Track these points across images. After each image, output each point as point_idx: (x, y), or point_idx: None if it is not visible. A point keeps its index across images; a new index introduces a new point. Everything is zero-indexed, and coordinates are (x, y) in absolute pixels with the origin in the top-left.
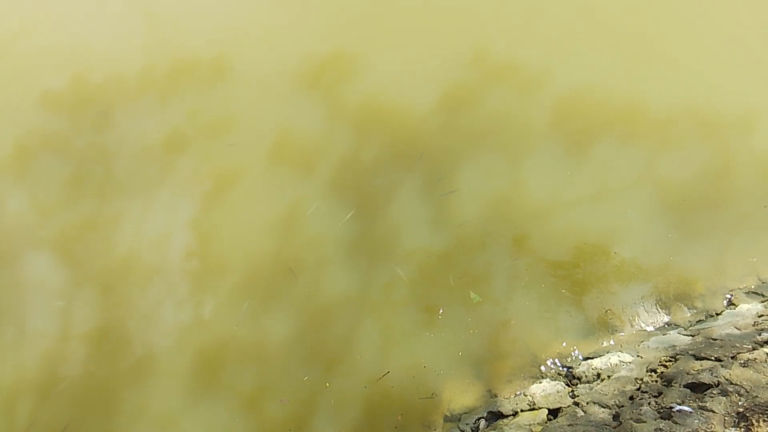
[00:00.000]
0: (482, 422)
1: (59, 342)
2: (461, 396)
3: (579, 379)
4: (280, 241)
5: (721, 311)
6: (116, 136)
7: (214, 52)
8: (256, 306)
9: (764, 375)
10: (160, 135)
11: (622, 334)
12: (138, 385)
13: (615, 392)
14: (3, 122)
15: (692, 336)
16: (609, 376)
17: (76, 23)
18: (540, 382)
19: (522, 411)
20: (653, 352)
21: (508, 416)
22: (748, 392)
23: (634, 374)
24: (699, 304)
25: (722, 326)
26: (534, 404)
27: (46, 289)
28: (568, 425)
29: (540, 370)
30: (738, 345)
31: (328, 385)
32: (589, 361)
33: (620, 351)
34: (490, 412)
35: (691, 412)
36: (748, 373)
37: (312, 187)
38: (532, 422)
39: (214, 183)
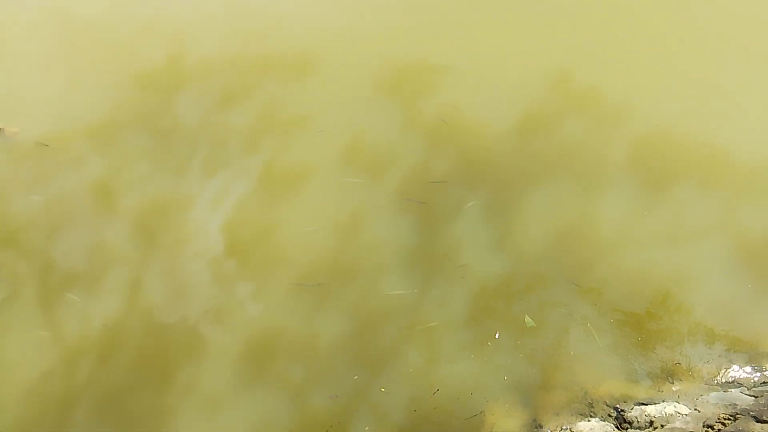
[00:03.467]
0: None
1: (123, 310)
2: (505, 421)
3: (630, 423)
4: (341, 240)
5: None
6: (200, 120)
7: (301, 48)
8: (311, 302)
9: None
10: (240, 123)
11: (681, 384)
12: (191, 363)
13: None
14: (99, 94)
15: (755, 397)
16: (662, 426)
17: (174, 5)
18: (588, 420)
19: None
20: (712, 407)
21: None
22: None
23: (690, 427)
24: None
25: None
26: None
27: (117, 257)
28: None
29: (590, 407)
30: None
31: (383, 390)
32: (642, 406)
33: (677, 401)
34: None
35: None
36: None
37: (379, 193)
38: None
39: (285, 175)
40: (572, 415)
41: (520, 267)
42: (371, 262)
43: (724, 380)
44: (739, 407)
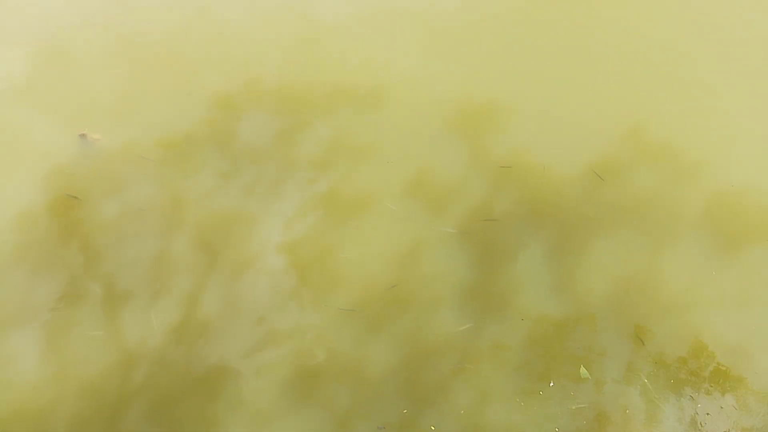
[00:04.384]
0: None
1: (183, 319)
2: None
3: None
4: (398, 271)
5: None
6: (270, 143)
7: (374, 81)
8: (364, 329)
9: None
10: (308, 149)
11: None
12: (242, 379)
13: None
14: (179, 111)
15: None
16: None
17: (252, 32)
18: None
19: None
20: None
21: None
22: None
23: None
24: None
25: None
26: None
27: (178, 268)
28: None
29: None
30: None
31: (433, 428)
32: None
33: None
34: None
35: None
36: None
37: (438, 228)
38: None
39: (347, 203)
40: None
41: (580, 316)
42: (428, 295)
43: None
44: None
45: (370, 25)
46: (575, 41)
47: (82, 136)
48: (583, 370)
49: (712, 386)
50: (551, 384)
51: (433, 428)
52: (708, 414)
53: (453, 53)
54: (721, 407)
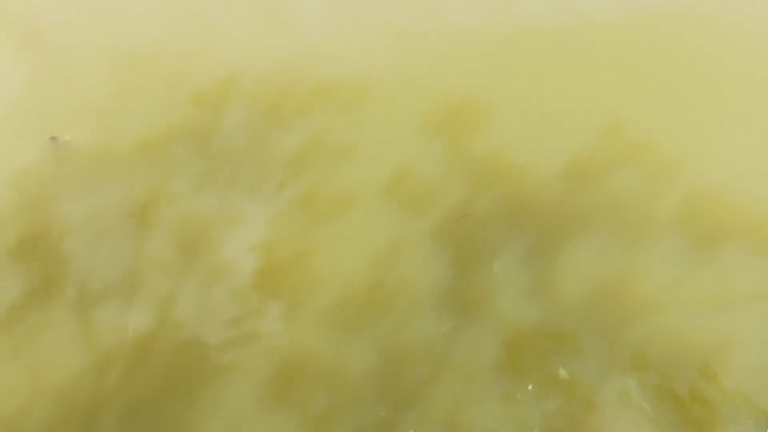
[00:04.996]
0: None
1: (157, 322)
2: None
3: None
4: (377, 272)
5: None
6: (248, 141)
7: (354, 80)
8: (342, 330)
9: None
10: (288, 147)
11: None
12: (218, 382)
13: None
14: (151, 110)
15: None
16: None
17: (227, 29)
18: None
19: None
20: None
21: None
22: None
23: None
24: None
25: None
26: None
27: (157, 267)
28: None
29: None
30: None
31: (412, 431)
32: None
33: None
34: None
35: None
36: None
37: (418, 228)
38: None
39: (326, 203)
40: None
41: (557, 317)
42: (406, 296)
43: None
44: None
45: (351, 24)
46: (554, 40)
47: (53, 138)
48: (562, 371)
49: (689, 386)
50: (530, 387)
51: (412, 431)
52: (687, 414)
53: (432, 53)
54: (700, 406)
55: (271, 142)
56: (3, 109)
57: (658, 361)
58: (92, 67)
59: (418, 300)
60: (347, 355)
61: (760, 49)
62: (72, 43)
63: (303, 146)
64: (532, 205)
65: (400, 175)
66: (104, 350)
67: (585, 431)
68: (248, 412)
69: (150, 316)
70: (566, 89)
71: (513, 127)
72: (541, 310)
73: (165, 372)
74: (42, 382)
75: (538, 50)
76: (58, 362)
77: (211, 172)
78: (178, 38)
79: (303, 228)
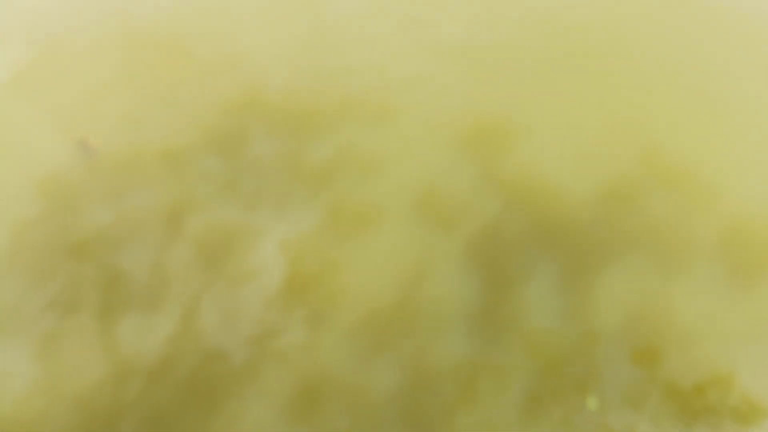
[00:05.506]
0: None
1: (180, 331)
2: None
3: None
4: (404, 289)
5: None
6: (276, 152)
7: (383, 92)
8: (366, 348)
9: None
10: (316, 159)
11: None
12: (240, 394)
13: None
14: (183, 119)
15: None
16: None
17: (256, 38)
18: None
19: None
20: None
21: None
22: None
23: None
24: None
25: None
26: None
27: (181, 276)
28: None
29: None
30: None
31: None
32: None
33: None
34: None
35: None
36: None
37: (447, 246)
38: None
39: (353, 216)
40: None
41: (589, 343)
42: (433, 315)
43: None
44: None
45: (381, 36)
46: (592, 57)
47: (81, 142)
48: (592, 400)
49: (724, 419)
50: (556, 413)
51: None
52: None
53: (465, 67)
54: None
55: (299, 153)
56: (31, 112)
57: (692, 392)
58: (119, 73)
59: (445, 320)
60: (371, 374)
61: None
62: (99, 48)
63: (331, 158)
64: (566, 227)
65: (429, 190)
66: (126, 357)
67: None
68: (268, 427)
69: (173, 325)
70: (603, 108)
71: (546, 145)
72: (571, 335)
73: (186, 382)
74: (63, 387)
75: (575, 67)
76: (81, 368)
77: (237, 182)
78: (207, 46)
79: (329, 241)
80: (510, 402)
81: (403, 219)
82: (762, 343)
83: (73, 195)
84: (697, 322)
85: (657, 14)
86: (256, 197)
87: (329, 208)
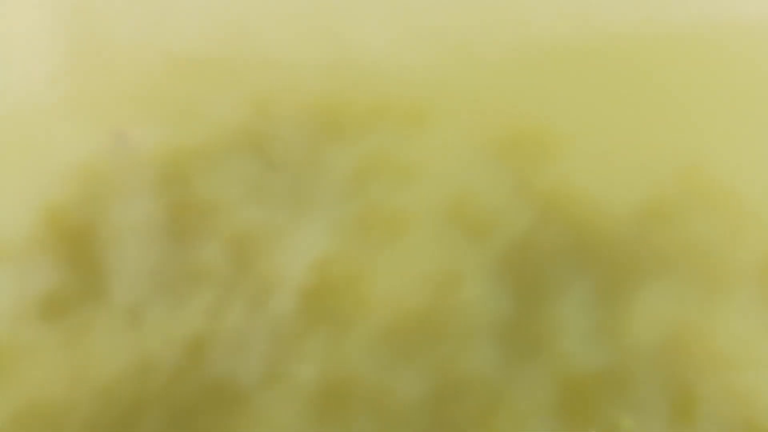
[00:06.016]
0: None
1: (203, 330)
2: None
3: None
4: (432, 299)
5: None
6: (306, 155)
7: (416, 97)
8: (393, 357)
9: None
10: (346, 164)
11: None
12: (265, 395)
13: None
14: (216, 117)
15: None
16: None
17: (289, 39)
18: None
19: None
20: None
21: None
22: None
23: None
24: None
25: None
26: None
27: (207, 275)
28: None
29: None
30: None
31: None
32: None
33: None
34: None
35: None
36: None
37: (478, 256)
38: None
39: (383, 223)
40: None
41: (622, 364)
42: (461, 326)
43: None
44: None
45: (414, 39)
46: (633, 66)
47: (119, 133)
48: (626, 421)
49: None
50: None
51: None
52: None
53: (502, 72)
54: None
55: (330, 157)
56: (72, 103)
57: (726, 422)
58: (156, 68)
59: (474, 331)
60: (396, 384)
61: None
62: (137, 44)
63: (361, 164)
64: (602, 243)
65: (462, 198)
66: (152, 351)
67: None
68: (294, 429)
69: (199, 322)
70: (645, 123)
71: (585, 157)
72: (605, 355)
73: (209, 380)
74: (88, 375)
75: (616, 77)
76: (106, 358)
77: (268, 184)
78: (241, 47)
79: (357, 248)
80: (539, 419)
81: (433, 227)
82: None
83: (108, 184)
84: (735, 348)
85: (702, 30)
86: (285, 199)
87: (359, 214)
